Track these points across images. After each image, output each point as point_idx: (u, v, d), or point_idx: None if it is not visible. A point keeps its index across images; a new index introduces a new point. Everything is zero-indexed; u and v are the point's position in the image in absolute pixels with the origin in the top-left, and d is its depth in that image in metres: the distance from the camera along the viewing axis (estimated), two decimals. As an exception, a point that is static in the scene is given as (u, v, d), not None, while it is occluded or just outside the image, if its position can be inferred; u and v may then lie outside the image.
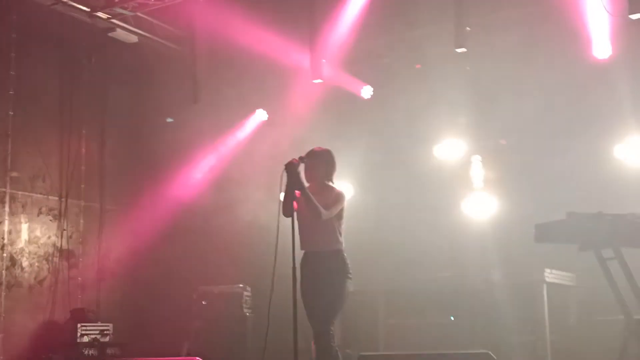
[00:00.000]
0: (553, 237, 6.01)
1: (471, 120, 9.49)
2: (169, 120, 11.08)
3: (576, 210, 5.84)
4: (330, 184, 6.33)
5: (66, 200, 10.20)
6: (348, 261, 6.18)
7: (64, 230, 10.14)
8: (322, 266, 6.13)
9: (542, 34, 9.03)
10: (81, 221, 10.47)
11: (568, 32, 8.68)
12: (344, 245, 6.22)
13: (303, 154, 6.23)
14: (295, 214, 6.07)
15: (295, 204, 6.03)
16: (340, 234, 6.22)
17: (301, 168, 6.10)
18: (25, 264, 9.62)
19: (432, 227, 9.29)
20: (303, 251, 6.21)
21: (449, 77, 9.41)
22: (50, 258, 9.95)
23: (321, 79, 9.88)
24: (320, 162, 6.29)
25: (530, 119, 8.87)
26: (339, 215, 6.23)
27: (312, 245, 6.18)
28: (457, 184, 9.51)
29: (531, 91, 8.79)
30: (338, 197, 6.21)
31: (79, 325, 9.42)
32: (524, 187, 8.85)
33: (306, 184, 6.12)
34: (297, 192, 6.02)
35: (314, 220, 6.06)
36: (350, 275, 6.14)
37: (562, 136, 8.68)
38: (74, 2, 9.76)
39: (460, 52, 8.97)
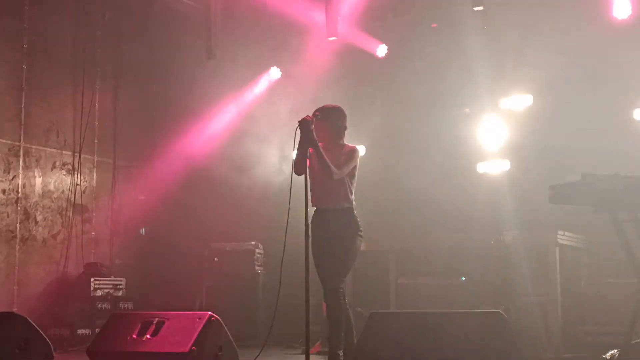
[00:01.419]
0: (568, 199, 5.96)
1: (487, 80, 9.39)
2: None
3: (592, 172, 5.79)
4: (343, 141, 6.30)
5: (79, 155, 10.22)
6: (359, 219, 6.18)
7: (78, 185, 10.17)
8: (332, 223, 6.14)
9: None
10: (95, 176, 10.51)
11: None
12: (354, 203, 6.21)
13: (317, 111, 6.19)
14: (307, 171, 6.05)
15: (308, 161, 6.01)
16: (351, 192, 6.21)
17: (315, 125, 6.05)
18: (39, 217, 9.68)
19: (445, 187, 9.25)
20: (314, 208, 6.21)
21: (465, 36, 9.29)
22: (63, 212, 10.01)
23: (336, 37, 9.79)
24: (332, 119, 6.24)
25: (548, 79, 8.77)
26: (351, 174, 6.21)
27: (323, 203, 6.18)
28: (472, 144, 9.44)
29: (549, 51, 8.66)
30: (351, 154, 6.18)
31: (92, 279, 9.51)
32: (540, 147, 8.77)
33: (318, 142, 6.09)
34: (310, 149, 5.99)
35: (326, 178, 6.05)
36: (361, 233, 6.15)
37: (580, 97, 8.58)
38: (89, -45, 9.70)
39: (477, 11, 8.85)
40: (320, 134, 6.12)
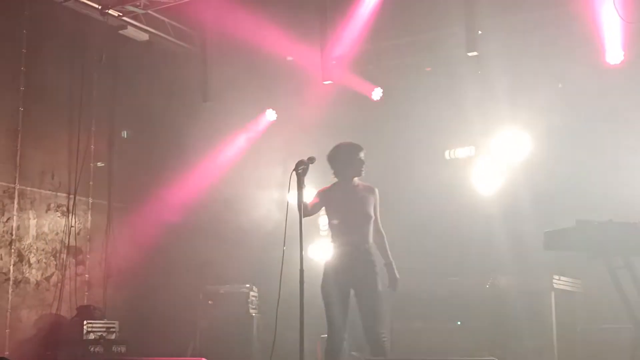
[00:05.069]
0: (562, 245, 5.98)
1: (481, 125, 9.44)
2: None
3: (586, 218, 5.80)
4: (357, 177, 6.51)
5: (74, 197, 10.19)
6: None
7: (72, 227, 10.13)
8: (359, 264, 6.27)
9: (554, 38, 8.99)
10: (89, 218, 10.48)
11: (581, 37, 8.64)
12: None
13: (311, 154, 6.20)
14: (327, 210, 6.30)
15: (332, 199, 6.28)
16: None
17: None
18: (32, 260, 9.62)
19: (440, 230, 9.25)
20: (338, 248, 6.33)
21: (459, 81, 9.37)
22: (57, 255, 9.96)
23: (331, 80, 9.86)
24: (337, 157, 6.43)
25: (541, 124, 8.83)
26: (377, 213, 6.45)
27: (356, 242, 6.33)
28: (466, 188, 9.46)
29: (542, 96, 8.74)
30: (376, 195, 6.51)
31: (85, 322, 9.41)
32: (534, 193, 8.79)
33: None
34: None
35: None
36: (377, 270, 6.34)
37: (574, 142, 8.62)
38: (86, -1, 9.79)
39: (471, 56, 8.93)
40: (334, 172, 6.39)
